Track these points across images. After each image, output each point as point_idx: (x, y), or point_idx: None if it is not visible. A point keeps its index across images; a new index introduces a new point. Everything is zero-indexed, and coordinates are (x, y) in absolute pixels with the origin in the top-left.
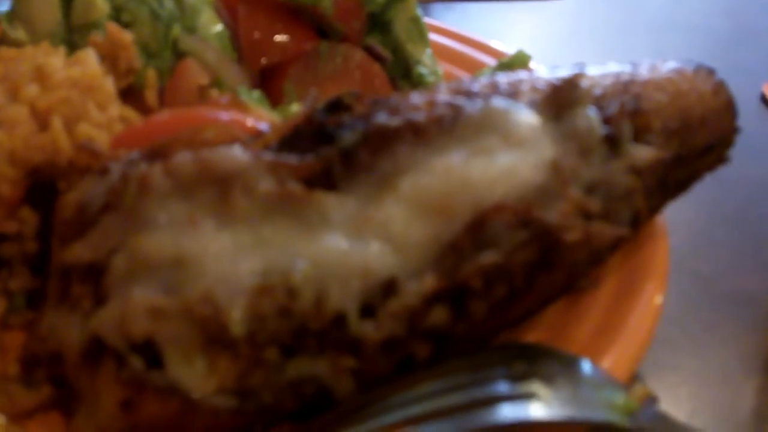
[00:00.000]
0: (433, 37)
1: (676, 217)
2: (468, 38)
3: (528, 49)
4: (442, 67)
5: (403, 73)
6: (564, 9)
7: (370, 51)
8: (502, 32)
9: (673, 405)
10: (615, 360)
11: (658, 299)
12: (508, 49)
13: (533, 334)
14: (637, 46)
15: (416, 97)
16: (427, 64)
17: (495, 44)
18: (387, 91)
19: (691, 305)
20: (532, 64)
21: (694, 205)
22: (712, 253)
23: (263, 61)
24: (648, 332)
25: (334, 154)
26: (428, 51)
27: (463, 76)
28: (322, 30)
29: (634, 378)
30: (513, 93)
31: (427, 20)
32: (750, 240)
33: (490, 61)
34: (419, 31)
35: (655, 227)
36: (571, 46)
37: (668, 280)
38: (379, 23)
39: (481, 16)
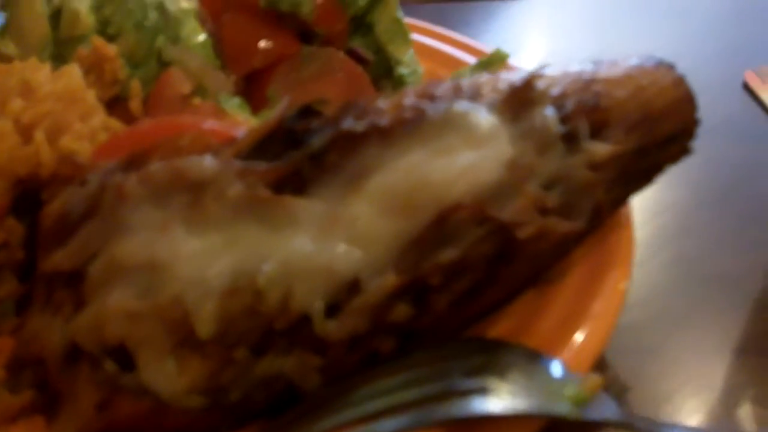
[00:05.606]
0: (416, 36)
1: (662, 200)
2: (449, 37)
3: (519, 45)
4: (425, 66)
5: (385, 73)
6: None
7: (352, 54)
8: (494, 29)
9: (651, 386)
10: (578, 349)
11: (622, 285)
12: (493, 46)
13: (500, 325)
14: (627, 31)
15: (383, 102)
16: (408, 65)
17: (475, 43)
18: (369, 92)
19: (672, 288)
20: (510, 62)
21: (678, 187)
22: (696, 235)
23: (247, 67)
24: (612, 318)
25: (303, 158)
26: (410, 51)
27: (445, 74)
28: (305, 35)
29: (602, 364)
30: (475, 95)
31: (414, 21)
32: (732, 221)
33: (471, 60)
34: (401, 32)
35: (621, 218)
36: (565, 39)
37: (651, 263)
38: (361, 26)
39: (469, 14)
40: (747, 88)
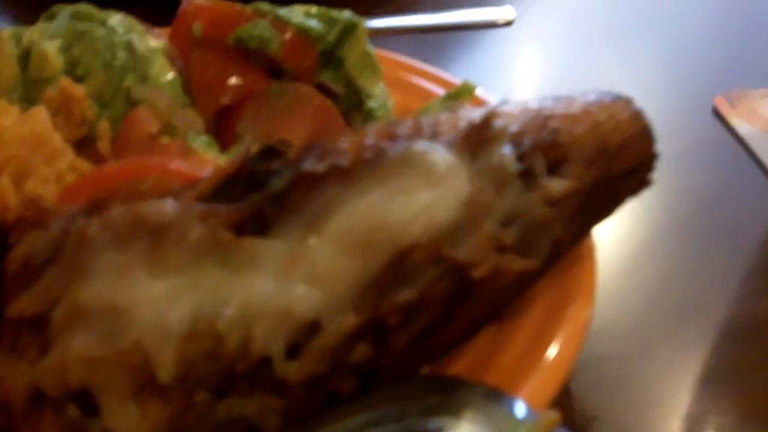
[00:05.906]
0: (388, 69)
1: (628, 227)
2: (420, 69)
3: (497, 75)
4: (396, 99)
5: (355, 107)
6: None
7: (322, 88)
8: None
9: (616, 417)
10: (540, 382)
11: (585, 314)
12: (476, 76)
13: (461, 362)
14: (600, 54)
15: (344, 142)
16: (378, 98)
17: (446, 74)
18: (340, 125)
19: (638, 316)
20: (480, 93)
21: (645, 214)
22: (663, 262)
23: (216, 105)
24: (574, 349)
25: (264, 200)
26: (380, 85)
27: (416, 107)
28: (274, 71)
29: (567, 395)
30: (434, 134)
31: (386, 52)
32: (700, 248)
33: (441, 92)
34: (371, 65)
35: (584, 249)
36: (546, 69)
37: (617, 292)
38: (331, 60)
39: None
40: (717, 113)
